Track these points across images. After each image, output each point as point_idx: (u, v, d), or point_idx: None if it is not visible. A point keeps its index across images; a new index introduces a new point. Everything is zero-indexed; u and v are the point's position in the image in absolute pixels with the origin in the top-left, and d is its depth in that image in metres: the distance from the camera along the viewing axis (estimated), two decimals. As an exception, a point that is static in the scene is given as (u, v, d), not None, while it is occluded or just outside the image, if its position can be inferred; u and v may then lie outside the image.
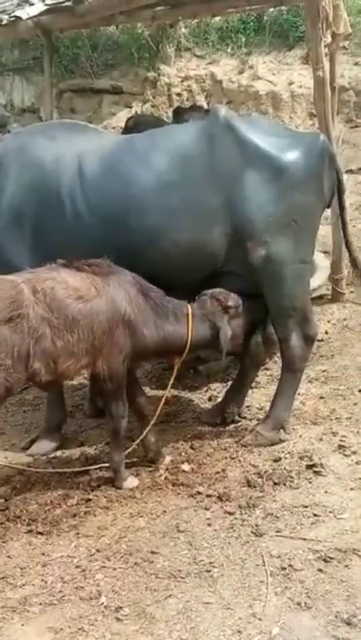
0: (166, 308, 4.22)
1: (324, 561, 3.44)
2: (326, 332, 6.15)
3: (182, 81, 11.59)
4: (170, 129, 5.44)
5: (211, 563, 3.49)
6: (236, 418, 4.97)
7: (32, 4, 5.42)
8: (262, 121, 4.83)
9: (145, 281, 4.18)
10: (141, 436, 4.38)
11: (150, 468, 4.44)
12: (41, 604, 3.30)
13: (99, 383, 4.21)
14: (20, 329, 3.71)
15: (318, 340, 5.33)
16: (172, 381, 4.57)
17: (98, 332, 3.95)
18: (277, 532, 3.70)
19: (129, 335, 4.08)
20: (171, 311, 4.23)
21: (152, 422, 4.42)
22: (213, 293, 4.36)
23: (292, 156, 4.40)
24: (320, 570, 3.39)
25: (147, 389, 4.95)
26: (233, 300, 4.37)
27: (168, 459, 4.47)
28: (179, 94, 11.52)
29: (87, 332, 3.91)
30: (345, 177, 5.55)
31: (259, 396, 5.22)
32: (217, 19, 11.20)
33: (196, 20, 11.17)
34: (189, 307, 4.29)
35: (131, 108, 11.38)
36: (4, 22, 5.53)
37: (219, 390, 5.43)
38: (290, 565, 3.42)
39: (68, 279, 3.96)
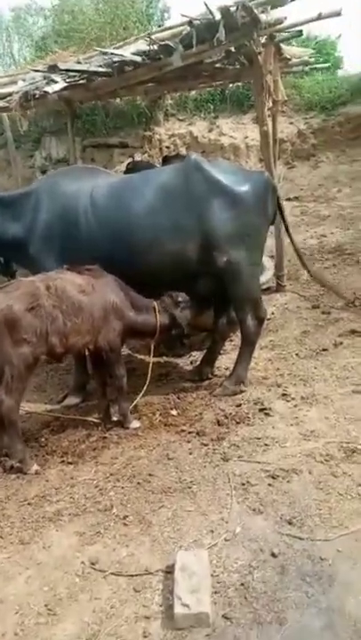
0: (141, 303, 4.11)
1: (273, 478, 3.32)
2: (273, 313, 5.99)
3: (169, 137, 11.39)
4: (157, 170, 5.23)
5: (191, 481, 3.36)
6: (210, 376, 4.82)
7: (56, 82, 5.17)
8: (223, 163, 4.61)
9: (124, 284, 4.05)
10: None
11: (149, 413, 4.28)
12: (70, 514, 3.17)
13: (103, 355, 4.00)
14: (39, 314, 3.56)
15: (267, 319, 5.17)
16: (151, 356, 4.42)
17: (95, 316, 3.80)
18: (239, 457, 3.57)
19: (118, 318, 3.93)
20: (144, 305, 4.12)
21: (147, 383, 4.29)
22: (169, 294, 4.27)
23: (244, 187, 4.21)
24: (270, 484, 3.27)
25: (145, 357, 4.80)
26: (181, 297, 4.27)
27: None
28: (167, 147, 11.32)
29: (88, 317, 3.76)
30: (284, 203, 5.38)
31: (225, 360, 5.06)
32: (193, 92, 10.98)
33: (177, 94, 10.95)
34: (155, 303, 4.17)
35: (134, 157, 11.14)
36: (37, 96, 5.29)
37: (197, 356, 5.27)
38: (248, 482, 3.30)
39: (73, 278, 3.82)
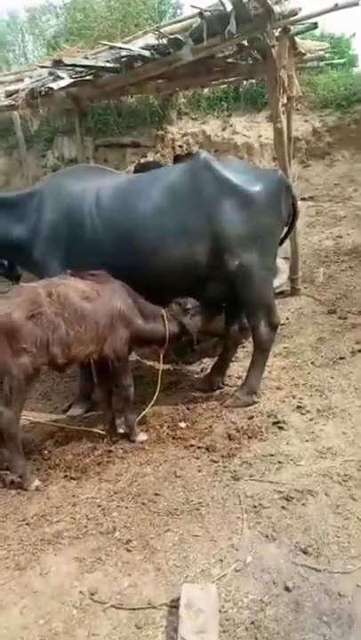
0: (148, 310, 3.87)
1: (286, 500, 3.07)
2: (287, 318, 5.72)
3: (182, 136, 11.13)
4: (165, 169, 4.96)
5: (200, 502, 3.13)
6: (221, 385, 4.56)
7: (62, 78, 4.95)
8: (234, 161, 4.34)
9: (132, 290, 3.81)
10: None
11: (157, 425, 4.04)
12: (70, 537, 2.96)
13: (109, 364, 3.74)
14: (40, 323, 3.33)
15: (281, 325, 4.90)
16: (160, 365, 4.19)
17: (100, 324, 3.56)
18: (251, 476, 3.33)
19: (125, 325, 3.69)
20: (152, 313, 3.88)
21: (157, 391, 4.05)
22: (177, 300, 4.01)
23: (257, 187, 3.94)
24: (283, 507, 3.03)
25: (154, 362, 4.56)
26: (191, 302, 4.01)
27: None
28: (180, 146, 11.06)
29: (92, 325, 3.52)
30: (300, 203, 5.11)
31: (237, 368, 4.80)
32: (206, 90, 10.72)
33: (190, 92, 10.70)
34: (163, 311, 3.92)
35: (146, 157, 10.93)
36: (42, 93, 5.08)
37: (208, 364, 5.01)
38: (260, 504, 3.07)
39: (76, 284, 3.58)
